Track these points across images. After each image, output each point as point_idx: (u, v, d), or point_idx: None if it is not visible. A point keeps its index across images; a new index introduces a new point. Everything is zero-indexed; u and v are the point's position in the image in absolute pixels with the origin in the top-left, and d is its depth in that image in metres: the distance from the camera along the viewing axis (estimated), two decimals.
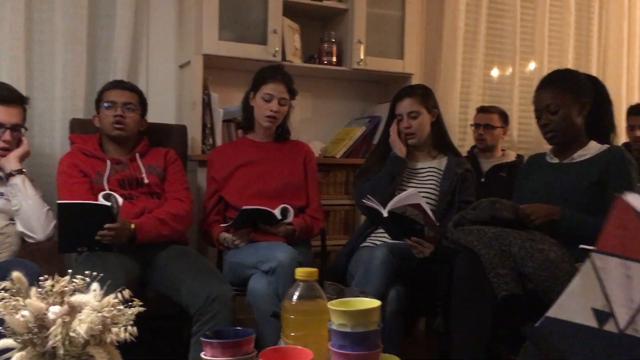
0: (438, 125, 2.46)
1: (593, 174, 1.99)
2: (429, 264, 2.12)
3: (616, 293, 0.62)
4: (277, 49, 2.80)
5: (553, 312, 0.68)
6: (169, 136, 2.58)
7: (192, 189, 2.44)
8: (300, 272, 1.21)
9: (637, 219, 0.60)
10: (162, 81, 2.93)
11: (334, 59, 3.05)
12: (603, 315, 0.63)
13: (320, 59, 3.05)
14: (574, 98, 2.06)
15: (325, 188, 2.92)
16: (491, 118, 3.23)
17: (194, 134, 2.68)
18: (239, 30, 2.79)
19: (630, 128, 3.37)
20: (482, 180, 3.14)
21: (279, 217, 2.25)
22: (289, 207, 2.30)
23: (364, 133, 3.07)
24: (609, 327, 0.63)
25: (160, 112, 2.76)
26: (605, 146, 2.07)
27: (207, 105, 2.73)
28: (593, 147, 2.07)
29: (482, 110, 3.30)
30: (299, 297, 1.19)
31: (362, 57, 3.00)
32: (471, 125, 3.33)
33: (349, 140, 3.05)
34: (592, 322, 0.64)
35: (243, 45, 2.77)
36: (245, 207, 2.19)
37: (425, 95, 2.43)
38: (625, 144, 3.46)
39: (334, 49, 3.05)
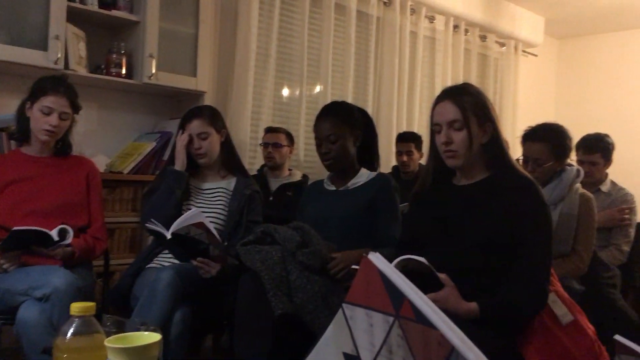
0: (227, 146, 2.52)
1: (365, 199, 2.21)
2: (217, 283, 2.16)
3: (362, 338, 0.72)
4: (59, 56, 2.62)
5: (312, 357, 0.77)
6: None
7: None
8: (75, 307, 1.16)
9: (378, 276, 0.70)
10: None
11: (124, 71, 2.94)
12: (351, 359, 0.73)
13: (108, 70, 2.92)
14: (350, 130, 2.28)
15: (111, 205, 2.80)
16: (279, 137, 3.39)
17: None
18: (15, 32, 2.56)
19: (399, 153, 3.80)
20: (271, 199, 3.28)
21: (56, 238, 2.10)
22: (68, 227, 2.16)
23: (154, 149, 3.01)
24: None
25: None
26: (374, 173, 2.32)
27: None
28: (364, 175, 2.30)
29: (270, 130, 3.46)
30: (74, 334, 1.14)
31: (153, 71, 2.94)
32: (260, 144, 3.46)
33: (138, 155, 2.97)
34: None
35: (20, 49, 2.54)
36: (16, 228, 2.02)
37: (213, 116, 2.47)
38: (394, 167, 3.89)
39: (124, 60, 2.94)
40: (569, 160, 2.58)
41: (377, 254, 0.73)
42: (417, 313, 0.66)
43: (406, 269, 1.60)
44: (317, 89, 4.02)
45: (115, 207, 2.84)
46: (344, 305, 0.75)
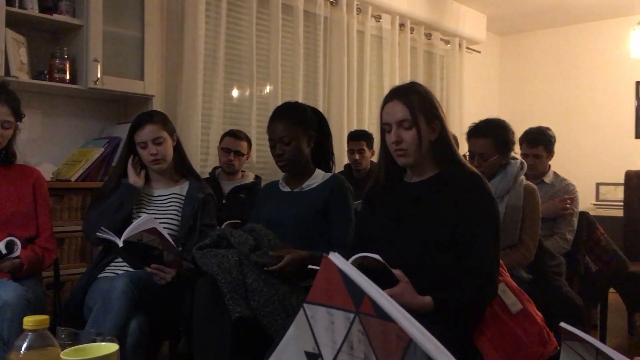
0: (178, 150, 2.50)
1: (319, 201, 2.23)
2: (173, 288, 2.14)
3: (323, 336, 0.74)
4: None
5: (274, 358, 0.78)
6: None
7: None
8: (28, 321, 1.13)
9: (338, 275, 0.73)
10: None
11: (68, 77, 2.87)
12: (313, 357, 0.74)
13: (52, 76, 2.85)
14: (303, 131, 2.28)
15: (59, 214, 2.73)
16: (241, 145, 3.37)
17: None
18: None
19: (351, 152, 3.85)
20: (224, 201, 3.26)
21: (4, 251, 2.04)
22: (15, 239, 2.10)
23: (102, 155, 2.95)
24: None
25: None
26: (329, 175, 2.34)
27: None
28: (319, 176, 2.32)
29: (231, 134, 3.40)
30: (28, 348, 1.12)
31: (99, 76, 2.88)
32: (220, 148, 3.41)
33: (86, 162, 2.90)
34: None
35: None
36: None
37: (164, 121, 2.45)
38: (346, 166, 3.93)
39: (67, 65, 2.87)
40: (512, 154, 2.67)
41: (337, 254, 0.75)
42: (377, 308, 0.68)
43: (362, 267, 1.63)
44: (268, 89, 4.02)
45: (64, 216, 2.77)
46: (305, 305, 0.76)
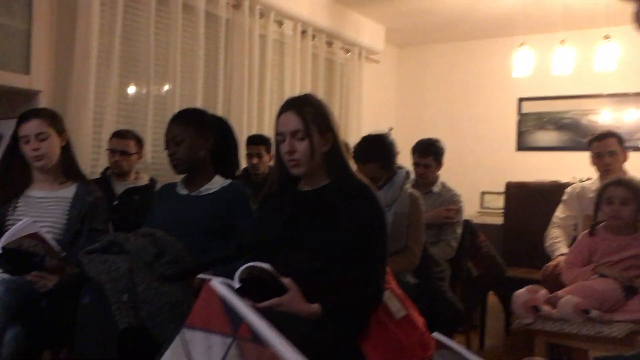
0: (67, 151, 2.39)
1: (217, 207, 2.23)
2: (55, 295, 2.05)
3: None
4: None
5: None
6: None
7: None
8: None
9: (218, 300, 0.74)
10: None
11: None
12: None
13: None
14: (197, 132, 2.28)
15: None
16: (127, 144, 3.26)
17: None
18: None
19: (249, 156, 3.85)
20: (115, 203, 3.15)
21: None
22: None
23: None
24: None
25: None
26: (229, 181, 2.34)
27: None
28: (218, 182, 2.31)
29: (117, 135, 3.29)
30: None
31: None
32: (107, 150, 3.30)
33: None
34: None
35: None
36: None
37: (53, 118, 2.35)
38: (244, 170, 3.93)
39: None
40: (398, 164, 2.80)
41: (219, 280, 0.77)
42: (254, 333, 0.70)
43: (251, 276, 1.65)
44: (165, 88, 3.93)
45: None
46: (184, 329, 0.77)
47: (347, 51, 5.48)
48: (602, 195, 2.44)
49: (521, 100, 5.75)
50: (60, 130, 2.34)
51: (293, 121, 1.82)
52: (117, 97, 3.59)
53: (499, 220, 4.57)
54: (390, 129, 5.96)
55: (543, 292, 2.37)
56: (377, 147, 2.72)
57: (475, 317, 3.83)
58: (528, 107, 5.75)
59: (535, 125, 5.74)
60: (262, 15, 4.51)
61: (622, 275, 2.25)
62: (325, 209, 1.83)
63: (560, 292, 2.36)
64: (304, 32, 4.92)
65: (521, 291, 2.37)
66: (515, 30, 5.13)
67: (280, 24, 4.71)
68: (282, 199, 1.94)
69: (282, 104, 1.91)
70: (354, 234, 1.78)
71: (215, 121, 2.39)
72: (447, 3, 4.95)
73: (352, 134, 5.38)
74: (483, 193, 5.74)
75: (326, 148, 1.87)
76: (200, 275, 1.77)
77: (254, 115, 4.46)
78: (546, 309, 2.30)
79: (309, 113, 1.84)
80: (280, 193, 1.95)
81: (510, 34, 5.42)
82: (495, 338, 3.97)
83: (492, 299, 3.89)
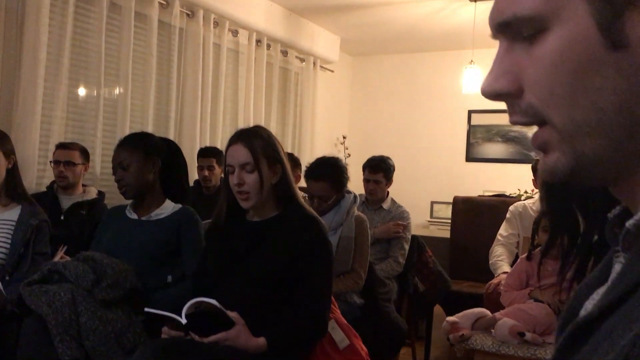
0: (13, 173, 2.35)
1: (167, 232, 2.22)
2: None
3: None
4: None
5: None
6: None
7: None
8: None
9: None
10: None
11: None
12: None
13: None
14: (144, 156, 2.26)
15: None
16: (72, 155, 3.20)
17: None
18: None
19: (200, 168, 3.84)
20: (62, 218, 3.09)
21: None
22: None
23: None
24: None
25: None
26: (179, 206, 2.33)
27: None
28: (168, 207, 2.30)
29: (61, 146, 3.23)
30: None
31: None
32: (50, 162, 3.24)
33: None
34: None
35: None
36: None
37: (2, 139, 2.31)
38: (196, 182, 3.91)
39: None
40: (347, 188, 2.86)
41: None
42: None
43: (199, 310, 1.67)
44: (116, 97, 3.87)
45: None
46: None
47: (302, 60, 5.51)
48: (538, 223, 2.55)
49: (471, 112, 5.90)
50: (7, 153, 2.30)
51: (242, 154, 1.85)
52: (65, 108, 3.51)
53: (446, 233, 4.68)
54: (344, 137, 6.06)
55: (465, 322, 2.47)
56: (330, 167, 2.77)
57: (421, 329, 3.93)
58: (477, 120, 5.90)
59: (484, 138, 5.90)
60: (216, 24, 4.50)
61: (553, 300, 2.36)
62: (271, 240, 1.86)
63: (497, 315, 2.46)
64: (258, 42, 4.92)
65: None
66: (465, 45, 5.26)
67: (235, 33, 4.71)
68: (230, 229, 1.96)
69: (231, 136, 1.93)
70: (299, 266, 1.82)
71: (163, 144, 2.38)
72: (400, 16, 5.04)
73: (305, 142, 5.42)
74: (433, 203, 5.87)
75: (275, 180, 1.90)
76: (147, 309, 1.77)
77: (207, 125, 4.44)
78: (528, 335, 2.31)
79: (258, 145, 1.86)
80: (228, 223, 1.97)
81: (460, 47, 5.55)
82: (441, 349, 4.08)
83: (438, 310, 3.99)
